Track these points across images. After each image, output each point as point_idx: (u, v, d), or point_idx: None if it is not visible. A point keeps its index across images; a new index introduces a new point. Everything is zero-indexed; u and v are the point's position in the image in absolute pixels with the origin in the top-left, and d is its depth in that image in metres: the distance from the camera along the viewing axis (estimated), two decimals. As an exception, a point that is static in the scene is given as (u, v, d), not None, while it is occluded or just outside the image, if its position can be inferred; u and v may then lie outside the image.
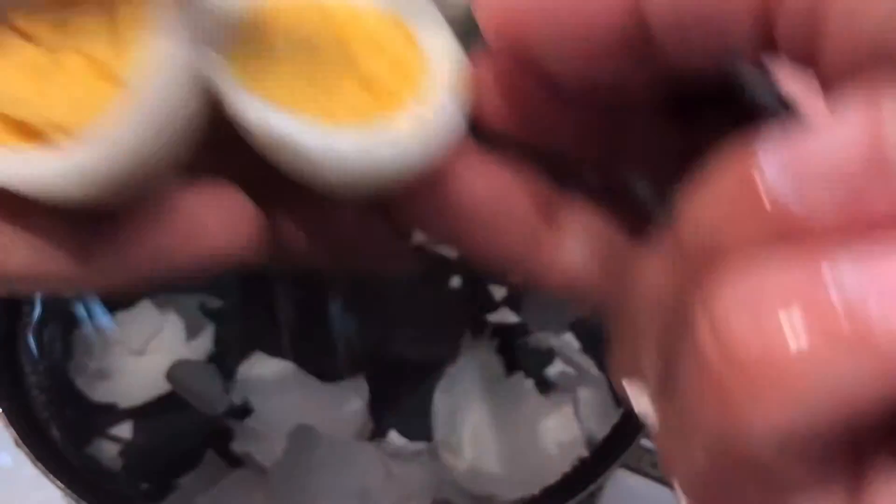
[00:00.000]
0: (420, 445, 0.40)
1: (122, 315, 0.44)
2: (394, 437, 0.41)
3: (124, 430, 0.41)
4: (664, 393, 0.13)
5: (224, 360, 0.44)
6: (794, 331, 0.10)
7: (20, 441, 0.34)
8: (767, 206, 0.11)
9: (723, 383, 0.11)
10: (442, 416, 0.40)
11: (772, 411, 0.11)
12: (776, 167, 0.11)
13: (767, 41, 0.14)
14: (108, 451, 0.40)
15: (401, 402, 0.43)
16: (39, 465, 0.34)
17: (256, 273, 0.49)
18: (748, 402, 0.11)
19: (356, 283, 0.49)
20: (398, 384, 0.44)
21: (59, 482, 0.33)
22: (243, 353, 0.43)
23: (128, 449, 0.41)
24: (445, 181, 0.16)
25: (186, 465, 0.40)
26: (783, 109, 0.15)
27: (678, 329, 0.12)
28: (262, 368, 0.42)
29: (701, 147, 0.15)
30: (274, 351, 0.44)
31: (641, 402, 0.14)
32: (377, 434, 0.42)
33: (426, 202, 0.16)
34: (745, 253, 0.11)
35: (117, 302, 0.44)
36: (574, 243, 0.17)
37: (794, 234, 0.11)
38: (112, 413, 0.41)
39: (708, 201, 0.12)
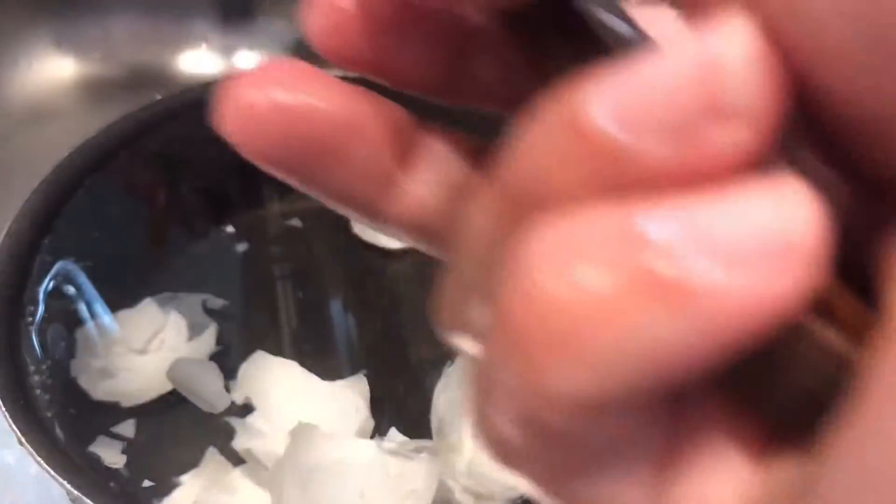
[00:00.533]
0: (420, 443, 0.40)
1: (125, 314, 0.44)
2: (394, 435, 0.42)
3: (127, 428, 0.41)
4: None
5: (226, 358, 0.44)
6: (599, 284, 0.10)
7: (23, 439, 0.34)
8: (593, 148, 0.10)
9: (523, 339, 0.10)
10: (442, 414, 0.40)
11: (572, 370, 0.10)
12: (604, 104, 0.10)
13: None
14: (110, 449, 0.40)
15: (401, 401, 0.44)
16: (42, 463, 0.34)
17: (258, 273, 0.49)
18: (547, 359, 0.10)
19: (356, 283, 0.49)
20: (399, 383, 0.44)
21: (61, 480, 0.33)
22: (245, 352, 0.43)
23: (130, 447, 0.41)
24: (295, 102, 0.15)
25: (188, 463, 0.40)
26: (631, 41, 0.14)
27: (494, 280, 0.11)
28: (264, 367, 0.43)
29: (547, 80, 0.14)
30: (276, 350, 0.44)
31: (467, 345, 0.13)
32: (378, 432, 0.42)
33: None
34: (566, 200, 0.10)
35: (120, 301, 0.45)
36: (425, 181, 0.16)
37: (624, 181, 0.10)
38: (115, 411, 0.42)
39: (534, 142, 0.11)
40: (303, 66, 0.15)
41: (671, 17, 0.13)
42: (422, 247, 0.16)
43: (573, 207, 0.10)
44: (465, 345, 0.13)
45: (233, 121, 0.14)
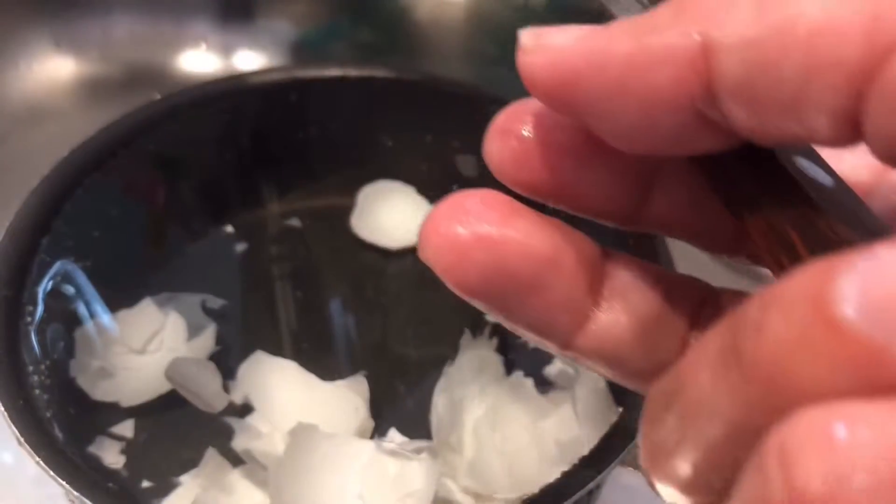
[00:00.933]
0: (420, 444, 0.40)
1: (124, 314, 0.44)
2: (394, 435, 0.42)
3: (126, 428, 0.41)
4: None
5: (225, 358, 0.44)
6: (878, 497, 0.09)
7: (22, 440, 0.34)
8: (847, 343, 0.10)
9: None
10: (442, 414, 0.40)
11: None
12: (854, 297, 0.10)
13: (852, 130, 0.12)
14: (109, 449, 0.40)
15: (401, 401, 0.44)
16: (41, 463, 0.33)
17: (258, 273, 0.49)
18: None
19: (356, 283, 0.49)
20: (398, 383, 0.44)
21: (60, 480, 0.33)
22: (244, 352, 0.43)
23: (129, 447, 0.41)
24: (498, 236, 0.15)
25: (187, 463, 0.40)
26: (827, 194, 0.14)
27: (737, 449, 0.11)
28: (263, 367, 0.43)
29: (730, 203, 0.14)
30: (275, 350, 0.44)
31: (671, 497, 0.13)
32: (377, 432, 0.42)
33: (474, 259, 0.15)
34: (825, 397, 0.10)
35: (119, 301, 0.45)
36: (616, 313, 0.16)
37: (885, 381, 0.10)
38: (114, 412, 0.42)
39: (779, 324, 0.11)
40: (502, 197, 0.15)
41: (859, 161, 0.13)
42: (608, 375, 0.16)
43: (839, 409, 0.10)
44: (668, 494, 0.13)
45: (437, 252, 0.15)
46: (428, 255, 0.15)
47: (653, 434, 0.13)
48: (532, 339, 0.16)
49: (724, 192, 0.15)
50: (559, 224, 0.16)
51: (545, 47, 0.15)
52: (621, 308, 0.16)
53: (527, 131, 0.16)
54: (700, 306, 0.16)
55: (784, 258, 0.14)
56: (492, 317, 0.16)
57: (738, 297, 0.16)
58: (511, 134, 0.16)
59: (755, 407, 0.11)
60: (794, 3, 0.12)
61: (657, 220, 0.17)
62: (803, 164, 0.14)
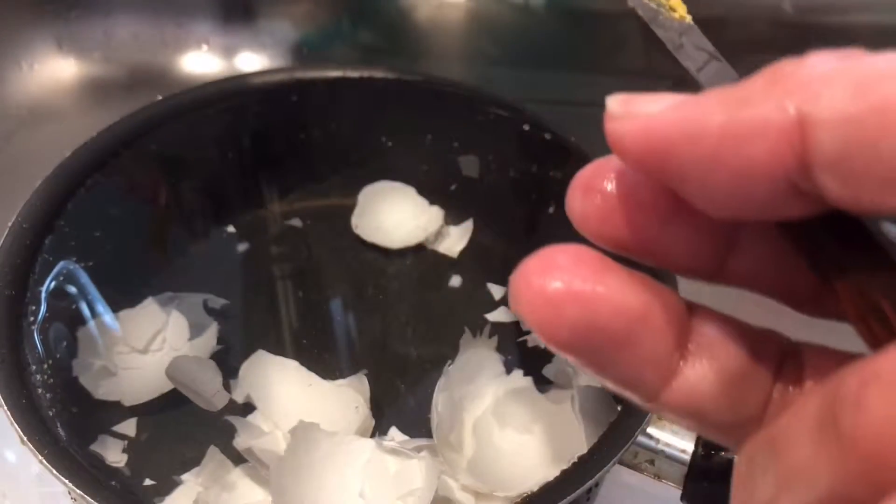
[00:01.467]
0: (420, 442, 0.40)
1: (126, 314, 0.45)
2: (394, 434, 0.42)
3: (128, 427, 0.41)
4: None
5: (227, 357, 0.44)
6: None
7: (25, 438, 0.34)
8: None
9: None
10: (442, 413, 0.40)
11: None
12: None
13: None
14: (111, 448, 0.40)
15: (401, 400, 0.44)
16: (44, 462, 0.34)
17: (259, 272, 0.50)
18: None
19: (356, 283, 0.49)
20: (399, 382, 0.44)
21: (63, 479, 0.33)
22: (246, 351, 0.43)
23: (131, 446, 0.41)
24: (590, 292, 0.15)
25: (189, 462, 0.40)
26: None
27: None
28: (265, 366, 0.43)
29: (817, 266, 0.15)
30: (276, 349, 0.44)
31: None
32: (378, 431, 0.42)
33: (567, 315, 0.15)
34: None
35: (121, 301, 0.45)
36: (702, 368, 0.16)
37: None
38: (116, 410, 0.42)
39: (879, 403, 0.11)
40: (592, 253, 0.16)
41: None
42: (692, 428, 0.17)
43: None
44: None
45: (529, 306, 0.15)
46: (520, 309, 0.15)
47: (746, 495, 0.13)
48: (617, 392, 0.16)
49: (810, 256, 0.16)
50: (648, 279, 0.16)
51: (635, 114, 0.15)
52: (707, 363, 0.16)
53: (610, 187, 0.16)
54: (782, 360, 0.17)
55: (874, 324, 0.14)
56: (579, 368, 0.16)
57: (822, 354, 0.17)
58: (595, 190, 0.16)
59: (856, 480, 0.11)
60: (891, 82, 0.13)
61: (740, 276, 0.17)
62: (892, 230, 0.14)
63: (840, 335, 0.17)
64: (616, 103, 0.15)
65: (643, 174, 0.15)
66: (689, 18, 0.21)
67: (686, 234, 0.16)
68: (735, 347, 0.16)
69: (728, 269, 0.17)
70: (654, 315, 0.15)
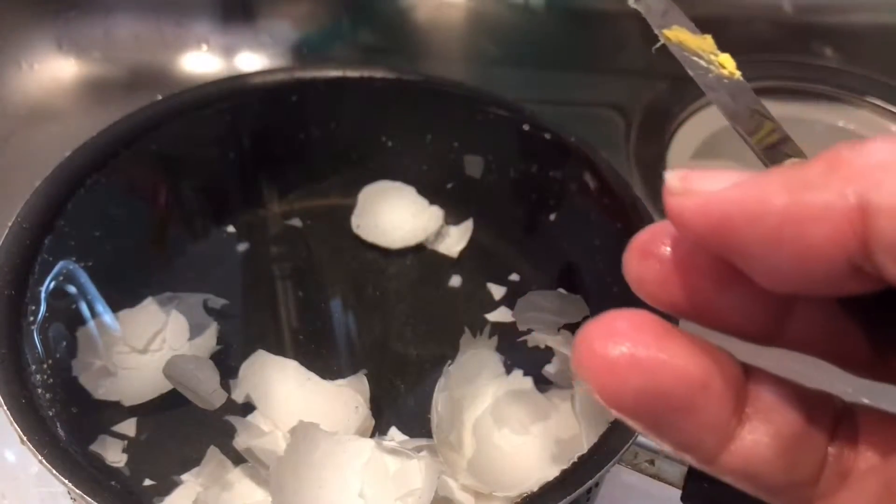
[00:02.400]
0: (420, 442, 0.40)
1: (126, 313, 0.45)
2: (394, 433, 0.42)
3: (128, 427, 0.41)
4: None
5: (227, 357, 0.44)
6: None
7: (24, 438, 0.34)
8: None
9: None
10: (442, 413, 0.40)
11: None
12: None
13: None
14: (111, 448, 0.40)
15: (401, 400, 0.44)
16: (44, 462, 0.34)
17: (259, 272, 0.50)
18: None
19: (356, 283, 0.49)
20: (399, 382, 0.44)
21: (62, 479, 0.33)
22: (246, 351, 0.43)
23: (131, 446, 0.41)
24: (652, 358, 0.16)
25: (189, 461, 0.40)
26: None
27: None
28: (265, 366, 0.43)
29: (874, 339, 0.15)
30: (276, 349, 0.44)
31: None
32: (378, 431, 0.42)
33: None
34: None
35: (121, 300, 0.45)
36: (760, 433, 0.16)
37: None
38: (116, 410, 0.42)
39: None
40: (652, 319, 0.16)
41: None
42: (747, 489, 0.17)
43: None
44: None
45: (592, 370, 0.15)
46: (583, 374, 0.16)
47: None
48: (675, 454, 0.17)
49: (868, 329, 0.16)
50: (707, 345, 0.16)
51: (695, 192, 0.15)
52: (764, 428, 0.16)
53: (667, 253, 0.16)
54: (837, 422, 0.17)
55: None
56: (639, 432, 0.16)
57: (876, 416, 0.17)
58: (652, 255, 0.17)
59: None
60: None
61: (796, 340, 0.17)
62: None
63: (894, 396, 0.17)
64: (675, 179, 0.16)
65: (703, 248, 0.16)
66: (738, 74, 0.21)
67: (742, 300, 0.16)
68: (791, 411, 0.16)
69: (784, 334, 0.17)
70: (713, 381, 0.16)
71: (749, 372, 0.17)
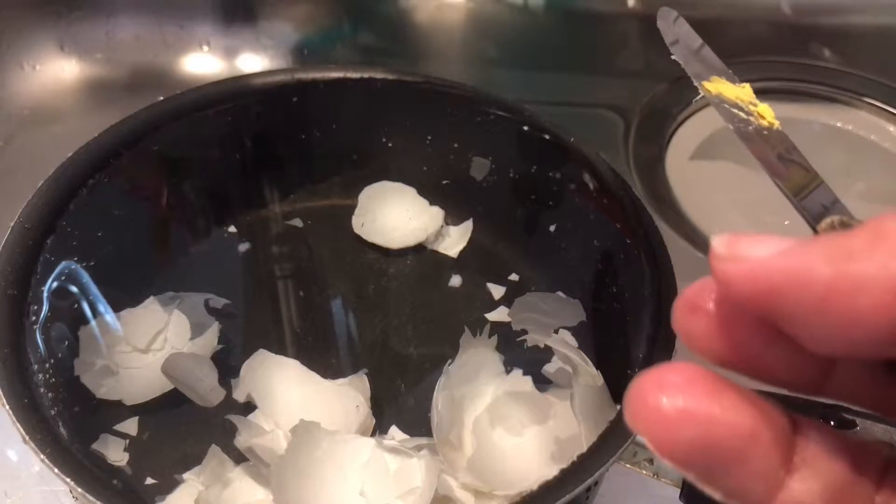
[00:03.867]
0: (421, 441, 0.40)
1: (128, 313, 0.45)
2: (395, 433, 0.42)
3: (130, 426, 0.42)
4: None
5: (228, 357, 0.44)
6: None
7: (27, 437, 0.34)
8: None
9: None
10: (442, 412, 0.40)
11: None
12: None
13: None
14: (113, 447, 0.41)
15: (402, 399, 0.44)
16: (46, 461, 0.34)
17: (260, 272, 0.50)
18: None
19: (357, 282, 0.49)
20: (399, 381, 0.45)
21: (65, 478, 0.33)
22: (247, 351, 0.44)
23: (133, 445, 0.41)
24: (704, 411, 0.16)
25: (191, 460, 0.40)
26: None
27: None
28: (266, 365, 0.43)
29: None
30: (277, 348, 0.44)
31: None
32: (378, 430, 0.42)
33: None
34: None
35: (123, 300, 0.45)
36: (808, 483, 0.17)
37: None
38: (118, 410, 0.42)
39: None
40: (702, 372, 0.16)
41: None
42: None
43: None
44: None
45: (645, 422, 0.16)
46: (638, 427, 0.16)
47: None
48: (725, 502, 0.17)
49: None
50: (755, 396, 0.17)
51: (742, 258, 0.16)
52: (812, 477, 0.17)
53: (715, 308, 0.17)
54: (885, 469, 0.17)
55: None
56: (690, 480, 0.17)
57: None
58: (700, 310, 0.17)
59: None
60: None
61: (843, 393, 0.18)
62: None
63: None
64: (722, 245, 0.16)
65: (749, 312, 0.16)
66: (777, 124, 0.22)
67: (788, 354, 0.17)
68: (838, 460, 0.17)
69: (831, 386, 0.17)
70: (763, 432, 0.16)
71: (797, 423, 0.17)
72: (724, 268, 0.16)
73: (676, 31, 0.24)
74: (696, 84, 0.23)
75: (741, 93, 0.23)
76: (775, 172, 0.20)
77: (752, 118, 0.22)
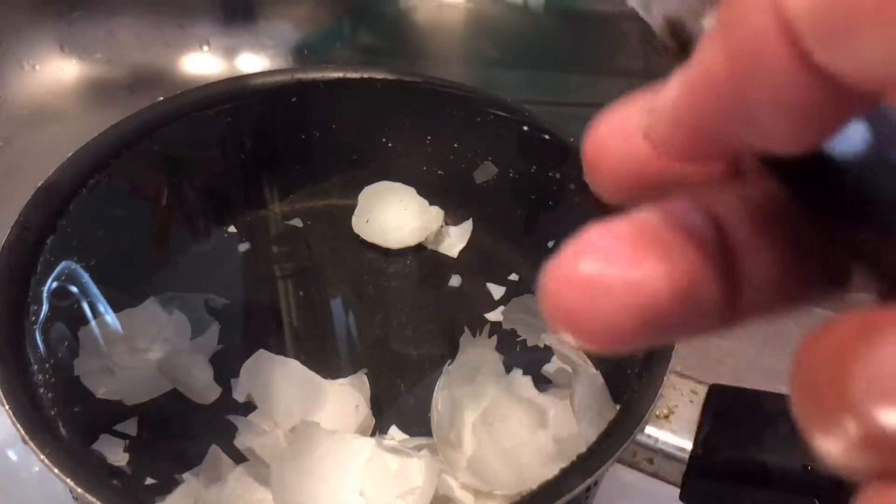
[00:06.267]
0: (420, 441, 0.40)
1: (128, 313, 0.45)
2: (395, 432, 0.42)
3: (130, 426, 0.42)
4: None
5: (228, 357, 0.44)
6: None
7: (26, 438, 0.34)
8: None
9: None
10: (442, 412, 0.40)
11: None
12: None
13: None
14: (113, 447, 0.41)
15: (401, 399, 0.44)
16: (45, 461, 0.34)
17: (259, 272, 0.50)
18: None
19: (357, 282, 0.49)
20: (399, 381, 0.45)
21: (64, 478, 0.33)
22: (247, 351, 0.44)
23: (133, 445, 0.41)
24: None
25: (190, 461, 0.40)
26: None
27: None
28: (266, 366, 0.43)
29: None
30: (277, 348, 0.44)
31: None
32: (378, 430, 0.42)
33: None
34: None
35: (123, 300, 0.45)
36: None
37: None
38: (117, 410, 0.42)
39: None
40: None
41: None
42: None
43: None
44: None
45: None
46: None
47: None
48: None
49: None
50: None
51: (656, 110, 0.15)
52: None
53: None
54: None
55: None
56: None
57: None
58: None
59: None
60: None
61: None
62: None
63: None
64: (643, 123, 0.15)
65: (706, 147, 0.14)
66: None
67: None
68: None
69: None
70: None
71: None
72: (656, 132, 0.15)
73: None
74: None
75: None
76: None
77: None
